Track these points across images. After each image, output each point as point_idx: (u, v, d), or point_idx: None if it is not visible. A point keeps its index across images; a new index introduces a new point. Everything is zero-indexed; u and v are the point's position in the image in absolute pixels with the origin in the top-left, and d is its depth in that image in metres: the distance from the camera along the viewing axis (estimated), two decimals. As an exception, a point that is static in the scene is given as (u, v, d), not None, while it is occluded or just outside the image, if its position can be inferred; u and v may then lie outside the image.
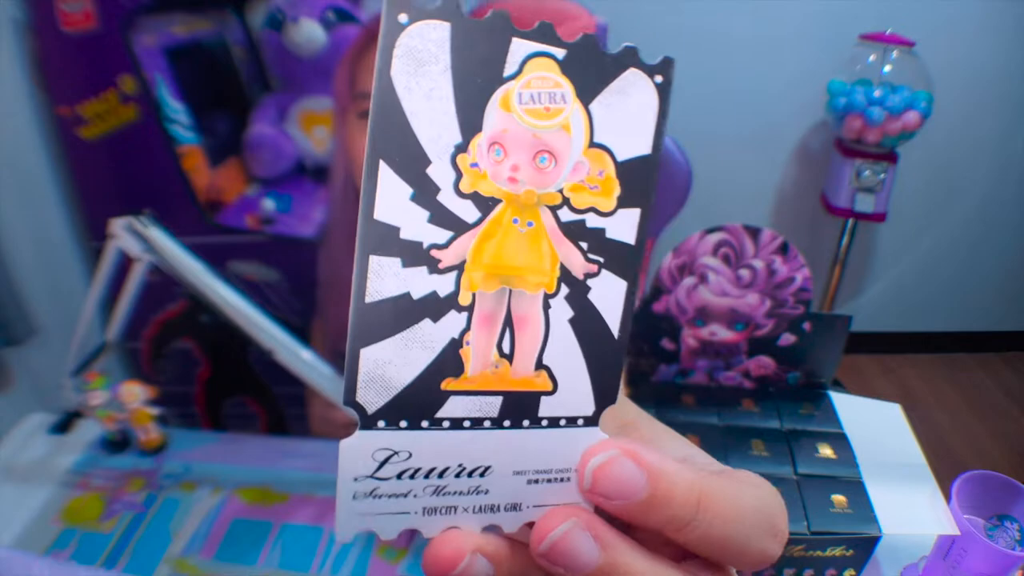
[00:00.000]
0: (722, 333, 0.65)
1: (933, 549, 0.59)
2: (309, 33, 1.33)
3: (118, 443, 0.79)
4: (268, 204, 1.33)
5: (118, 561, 0.66)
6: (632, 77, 0.17)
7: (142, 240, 0.68)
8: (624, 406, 0.20)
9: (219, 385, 1.41)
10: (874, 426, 0.64)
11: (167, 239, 0.68)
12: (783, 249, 0.60)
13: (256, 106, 1.45)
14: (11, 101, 1.15)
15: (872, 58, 1.75)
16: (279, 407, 1.42)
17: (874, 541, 0.53)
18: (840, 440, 0.61)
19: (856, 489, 0.56)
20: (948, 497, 0.56)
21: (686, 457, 0.19)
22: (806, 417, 0.64)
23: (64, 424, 0.82)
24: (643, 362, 0.69)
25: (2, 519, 0.70)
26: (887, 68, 1.74)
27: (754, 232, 0.60)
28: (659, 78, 0.17)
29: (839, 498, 0.55)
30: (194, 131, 1.28)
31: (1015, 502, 0.58)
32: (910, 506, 0.56)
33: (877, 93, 1.68)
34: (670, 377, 0.69)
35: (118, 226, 0.68)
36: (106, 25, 1.09)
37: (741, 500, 0.17)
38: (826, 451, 0.60)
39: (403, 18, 0.15)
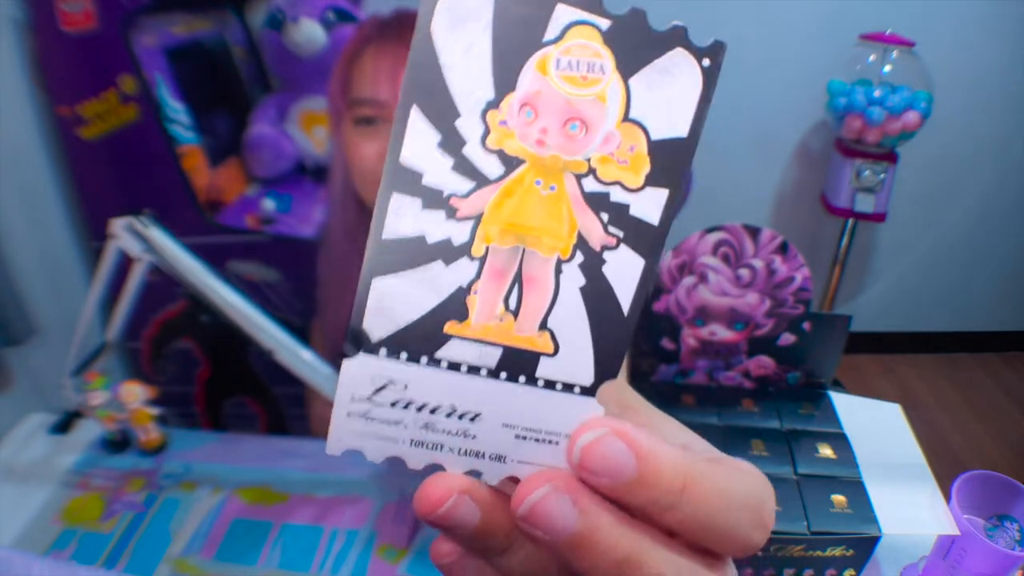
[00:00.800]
0: (722, 333, 0.65)
1: (933, 549, 0.59)
2: (309, 33, 1.33)
3: (118, 443, 0.79)
4: (268, 204, 1.33)
5: (118, 561, 0.66)
6: (678, 57, 0.17)
7: (142, 240, 0.68)
8: (626, 391, 0.21)
9: (219, 385, 1.41)
10: (874, 426, 0.64)
11: (167, 239, 0.68)
12: (783, 249, 0.60)
13: (256, 106, 1.45)
14: (11, 101, 1.15)
15: (872, 58, 1.75)
16: (279, 407, 1.42)
17: (874, 541, 0.53)
18: (840, 440, 0.61)
19: (856, 489, 0.56)
20: (948, 497, 0.56)
21: (684, 444, 0.19)
22: (806, 417, 0.64)
23: (64, 424, 0.82)
24: (643, 362, 0.69)
25: (2, 519, 0.70)
26: (887, 68, 1.74)
27: (754, 232, 0.60)
28: (707, 61, 0.17)
29: (839, 498, 0.55)
30: (194, 131, 1.28)
31: (1015, 502, 0.58)
32: (910, 506, 0.56)
33: (877, 93, 1.68)
34: (670, 377, 0.69)
35: (118, 226, 0.68)
36: (106, 25, 1.09)
37: (728, 488, 0.18)
38: (826, 451, 0.60)
39: None
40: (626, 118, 0.17)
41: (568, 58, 0.16)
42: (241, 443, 0.82)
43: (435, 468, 0.18)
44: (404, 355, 0.18)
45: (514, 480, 0.18)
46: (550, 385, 0.18)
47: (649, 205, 0.17)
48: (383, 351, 0.18)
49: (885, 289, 2.25)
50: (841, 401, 0.66)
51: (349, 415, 0.18)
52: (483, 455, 0.18)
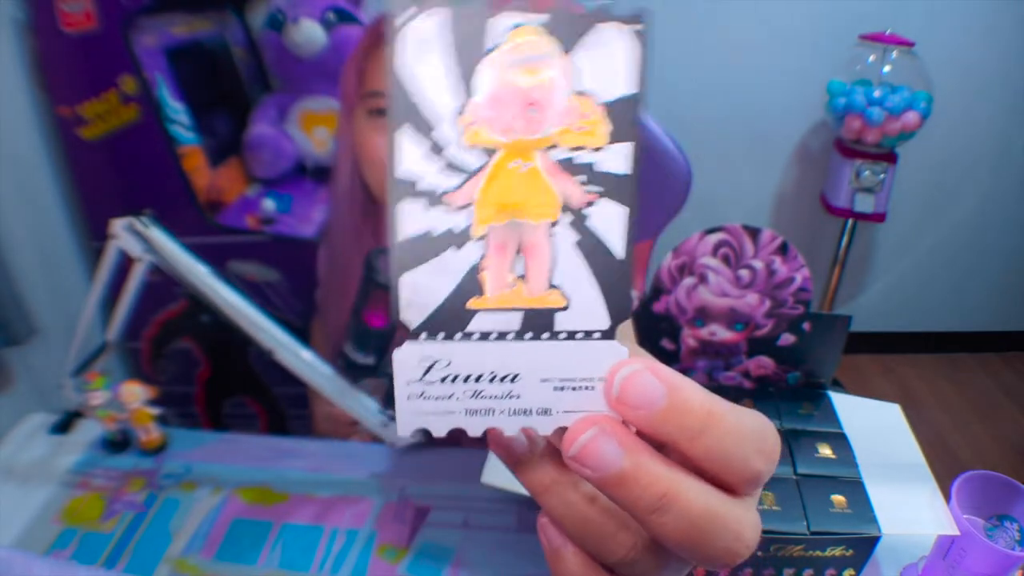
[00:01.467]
0: (722, 333, 0.65)
1: (933, 549, 0.59)
2: (309, 33, 1.33)
3: (118, 443, 0.79)
4: (268, 204, 1.33)
5: (118, 561, 0.66)
6: (611, 30, 0.19)
7: (142, 240, 0.68)
8: (634, 346, 0.22)
9: (219, 385, 1.41)
10: (874, 426, 0.64)
11: (167, 239, 0.68)
12: (783, 249, 0.60)
13: (256, 106, 1.45)
14: (11, 101, 1.15)
15: (872, 58, 1.75)
16: (279, 407, 1.42)
17: (874, 541, 0.53)
18: (840, 440, 0.61)
19: (856, 489, 0.56)
20: (948, 497, 0.56)
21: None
22: (806, 417, 0.64)
23: (64, 424, 0.82)
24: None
25: (2, 519, 0.70)
26: (887, 68, 1.74)
27: (754, 232, 0.60)
28: (637, 26, 0.19)
29: (839, 498, 0.55)
30: (194, 131, 1.28)
31: (1015, 502, 0.58)
32: (910, 506, 0.56)
33: (877, 93, 1.68)
34: (670, 377, 0.69)
35: (118, 226, 0.68)
36: (106, 25, 1.09)
37: (742, 420, 0.20)
38: (826, 451, 0.60)
39: (404, 14, 0.19)
40: (578, 92, 0.19)
41: (514, 55, 0.19)
42: (241, 443, 0.82)
43: (493, 431, 0.21)
44: (441, 335, 0.20)
45: (563, 429, 0.20)
46: (571, 336, 0.20)
47: (617, 159, 0.20)
48: (423, 335, 0.20)
49: (885, 289, 2.25)
50: (841, 401, 0.66)
51: (409, 398, 0.20)
52: (530, 411, 0.21)
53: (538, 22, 0.19)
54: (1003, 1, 1.82)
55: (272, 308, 1.26)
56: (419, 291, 0.20)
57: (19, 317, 1.10)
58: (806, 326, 0.64)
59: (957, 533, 0.54)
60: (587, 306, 0.20)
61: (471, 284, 0.20)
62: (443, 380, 0.20)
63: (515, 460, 0.22)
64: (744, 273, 0.61)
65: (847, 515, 0.54)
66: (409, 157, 0.19)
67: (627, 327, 0.21)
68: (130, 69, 1.13)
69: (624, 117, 0.19)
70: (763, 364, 0.67)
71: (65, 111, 1.13)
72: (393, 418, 0.71)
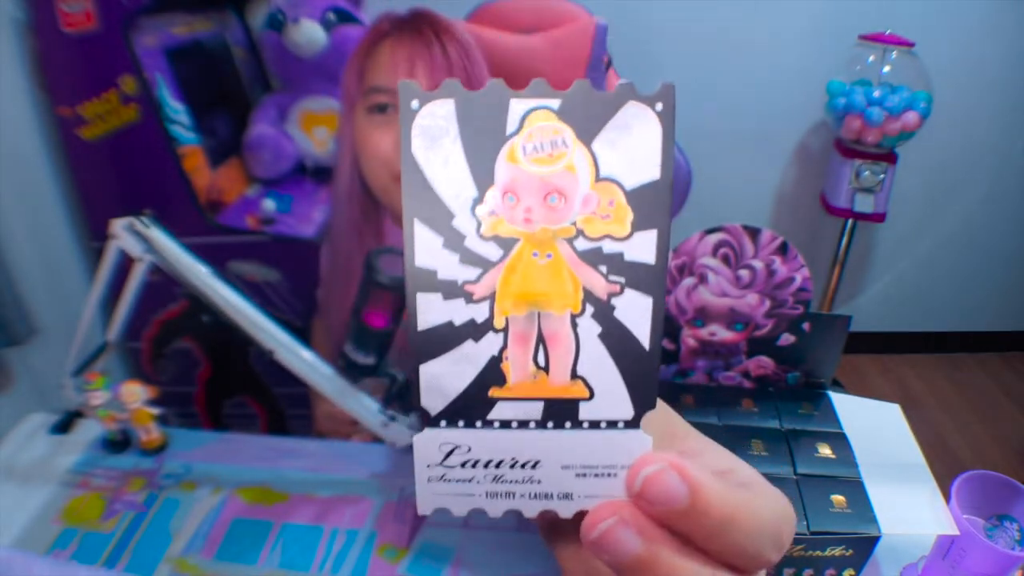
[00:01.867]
0: (721, 333, 0.65)
1: (932, 549, 0.59)
2: (309, 34, 1.33)
3: (119, 443, 0.79)
4: (268, 204, 1.33)
5: (118, 561, 0.66)
6: (632, 110, 0.18)
7: (143, 240, 0.68)
8: (672, 418, 0.22)
9: (219, 385, 1.41)
10: (873, 426, 0.64)
11: (168, 239, 0.68)
12: (782, 249, 0.60)
13: (256, 106, 1.45)
14: (11, 101, 1.15)
15: (871, 58, 1.75)
16: (279, 407, 1.42)
17: (873, 541, 0.53)
18: (839, 440, 0.61)
19: (856, 489, 0.56)
20: (948, 497, 0.56)
21: (729, 468, 0.21)
22: (805, 417, 0.64)
23: (65, 424, 0.82)
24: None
25: (2, 519, 0.70)
26: (886, 68, 1.74)
27: (754, 232, 0.60)
28: (660, 105, 0.18)
29: (838, 498, 0.55)
30: (195, 131, 1.28)
31: (1015, 502, 0.58)
32: (910, 506, 0.56)
33: (876, 93, 1.68)
34: (669, 377, 0.69)
35: (119, 226, 0.68)
36: (106, 25, 1.09)
37: (762, 515, 0.20)
38: (825, 451, 0.60)
39: (415, 104, 0.18)
40: (599, 178, 0.19)
41: (532, 143, 0.19)
42: (241, 443, 0.82)
43: (514, 513, 0.21)
44: (461, 423, 0.20)
45: (584, 512, 0.20)
46: (595, 425, 0.20)
47: (642, 248, 0.19)
48: (443, 422, 0.20)
49: (885, 289, 2.25)
50: (841, 401, 0.66)
51: (429, 480, 0.21)
52: (551, 496, 0.21)
53: (555, 105, 0.18)
54: (1003, 1, 1.82)
55: (272, 308, 1.26)
56: (439, 380, 0.20)
57: (19, 317, 1.10)
58: (806, 326, 0.64)
59: (957, 533, 0.54)
60: (611, 396, 0.20)
61: (493, 373, 0.20)
62: (463, 465, 0.20)
63: (551, 539, 0.23)
64: (744, 273, 0.62)
65: (847, 515, 0.54)
66: (427, 247, 0.19)
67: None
68: (130, 69, 1.13)
69: (648, 204, 0.19)
70: (763, 364, 0.67)
71: (65, 111, 1.13)
72: (393, 418, 0.71)
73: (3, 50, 1.12)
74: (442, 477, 0.21)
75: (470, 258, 0.19)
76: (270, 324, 0.68)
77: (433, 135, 0.18)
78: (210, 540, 0.68)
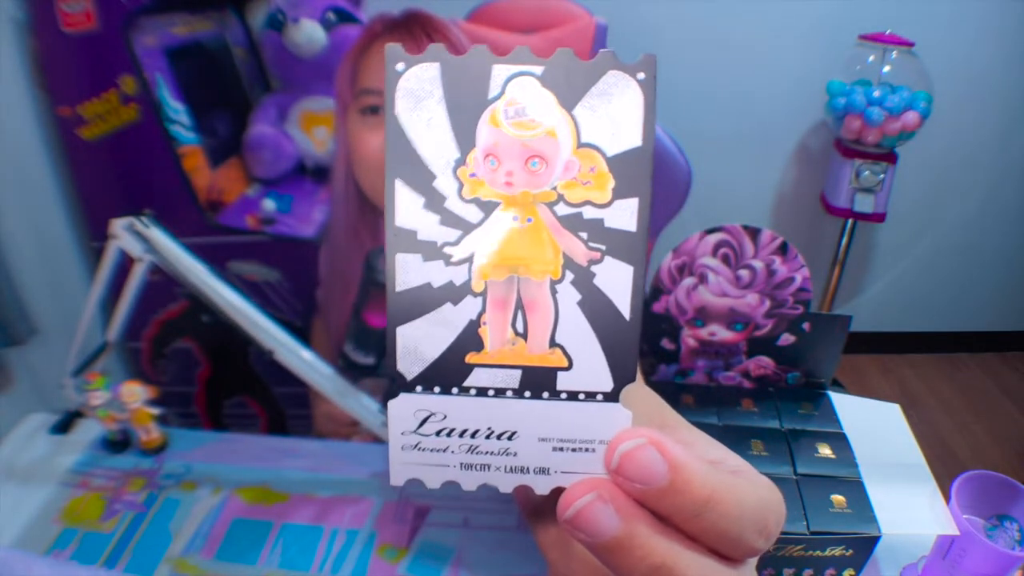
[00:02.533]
0: (721, 333, 0.65)
1: (932, 549, 0.59)
2: (309, 34, 1.33)
3: (119, 443, 0.79)
4: (268, 204, 1.33)
5: (118, 561, 0.66)
6: (613, 78, 0.19)
7: (143, 240, 0.68)
8: (663, 409, 0.22)
9: (219, 385, 1.41)
10: (873, 426, 0.64)
11: (168, 239, 0.68)
12: (782, 249, 0.60)
13: (256, 106, 1.45)
14: (11, 101, 1.15)
15: (871, 58, 1.75)
16: (279, 407, 1.42)
17: (873, 541, 0.53)
18: (839, 440, 0.61)
19: (855, 489, 0.56)
20: (948, 497, 0.56)
21: (719, 459, 0.21)
22: (805, 417, 0.64)
23: (65, 424, 0.82)
24: (643, 362, 0.69)
25: (2, 519, 0.70)
26: (886, 68, 1.74)
27: (754, 232, 0.60)
28: (641, 75, 0.19)
29: (838, 498, 0.55)
30: (195, 131, 1.28)
31: (1015, 502, 0.58)
32: (910, 506, 0.56)
33: (876, 93, 1.68)
34: (669, 377, 0.69)
35: (119, 226, 0.68)
36: (106, 25, 1.09)
37: (745, 500, 0.19)
38: (825, 451, 0.60)
39: (400, 66, 0.19)
40: (580, 144, 0.19)
41: (514, 107, 0.19)
42: (241, 443, 0.82)
43: (488, 488, 0.20)
44: (437, 388, 0.20)
45: (561, 489, 0.20)
46: (573, 396, 0.20)
47: (623, 215, 0.19)
48: (419, 387, 0.20)
49: (885, 289, 2.25)
50: (840, 401, 0.66)
51: (403, 448, 0.20)
52: (527, 469, 0.20)
53: (538, 72, 0.19)
54: (1003, 1, 1.82)
55: (272, 308, 1.26)
56: (416, 343, 0.20)
57: (19, 317, 1.10)
58: (806, 326, 0.64)
59: (957, 533, 0.54)
60: (590, 367, 0.20)
61: (470, 338, 0.20)
62: (438, 433, 0.20)
63: (531, 516, 0.22)
64: (744, 273, 0.62)
65: (847, 515, 0.54)
66: (408, 208, 0.19)
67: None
68: (130, 69, 1.12)
69: (630, 171, 0.19)
70: (763, 364, 0.67)
71: (65, 111, 1.13)
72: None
73: (3, 50, 1.12)
74: (416, 445, 0.20)
75: (451, 220, 0.19)
76: (270, 324, 0.68)
77: (417, 97, 0.19)
78: (210, 540, 0.68)
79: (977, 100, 1.94)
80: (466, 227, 0.19)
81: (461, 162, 0.19)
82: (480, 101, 0.19)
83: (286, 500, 0.73)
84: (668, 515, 0.18)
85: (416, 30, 0.77)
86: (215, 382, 1.40)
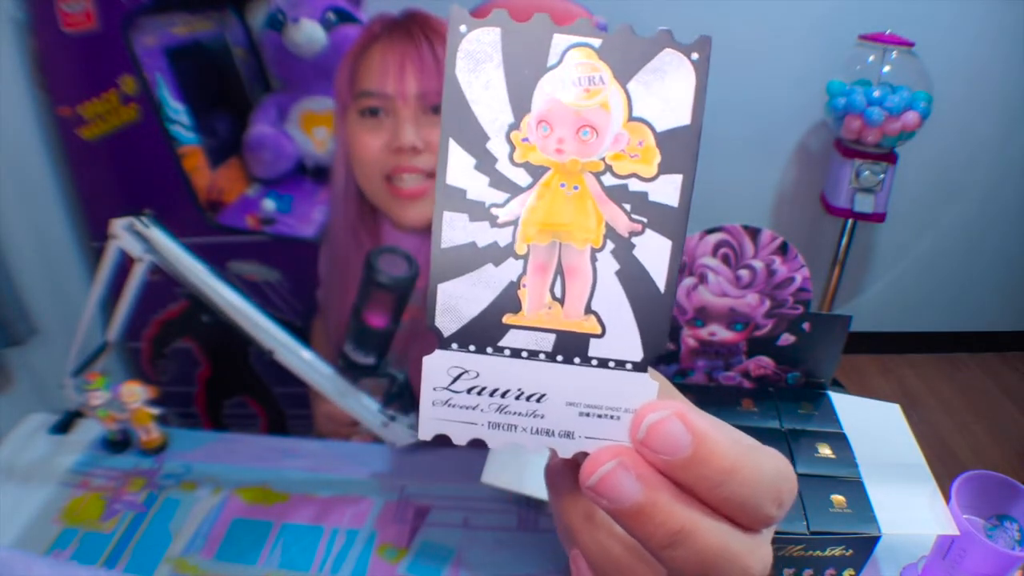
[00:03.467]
0: (721, 333, 0.65)
1: (932, 549, 0.59)
2: (309, 34, 1.33)
3: (119, 443, 0.79)
4: (268, 204, 1.33)
5: (118, 561, 0.66)
6: (668, 56, 0.19)
7: (143, 240, 0.68)
8: (667, 386, 0.22)
9: (219, 385, 1.41)
10: (873, 426, 0.64)
11: (168, 239, 0.68)
12: (782, 249, 0.60)
13: (256, 106, 1.45)
14: (11, 101, 1.15)
15: (871, 58, 1.75)
16: (279, 407, 1.42)
17: (873, 541, 0.53)
18: (839, 440, 0.61)
19: (855, 489, 0.56)
20: (948, 497, 0.56)
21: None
22: (805, 417, 0.64)
23: (65, 424, 0.82)
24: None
25: (2, 519, 0.70)
26: (886, 68, 1.74)
27: (754, 232, 0.60)
28: (695, 55, 0.19)
29: (838, 498, 0.55)
30: (195, 131, 1.28)
31: (1015, 502, 0.58)
32: (910, 506, 0.56)
33: (876, 93, 1.68)
34: (669, 377, 0.69)
35: (119, 226, 0.68)
36: (106, 25, 1.09)
37: (762, 470, 0.20)
38: (825, 451, 0.60)
39: (463, 28, 0.19)
40: (631, 118, 0.19)
41: (570, 76, 0.19)
42: (241, 443, 0.82)
43: (515, 446, 0.21)
44: (472, 347, 0.20)
45: (584, 454, 0.20)
46: (603, 363, 0.20)
47: (667, 190, 0.20)
48: (454, 345, 0.20)
49: (885, 289, 2.25)
50: (840, 401, 0.66)
51: (434, 404, 0.21)
52: (553, 433, 0.21)
53: (596, 44, 0.19)
54: (1003, 1, 1.82)
55: (272, 308, 1.26)
56: (455, 301, 0.20)
57: (19, 317, 1.10)
58: (806, 326, 0.64)
59: (957, 533, 0.54)
60: (622, 336, 0.20)
61: (509, 300, 0.20)
62: (469, 391, 0.20)
63: (555, 487, 0.23)
64: (744, 273, 0.62)
65: (847, 515, 0.54)
66: (459, 166, 0.19)
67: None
68: (130, 69, 1.13)
69: (676, 148, 0.19)
70: (763, 364, 0.67)
71: (65, 111, 1.13)
72: (393, 418, 0.71)
73: (3, 50, 1.12)
74: (447, 402, 0.20)
75: (500, 182, 0.19)
76: (270, 324, 0.68)
77: (477, 59, 0.19)
78: (210, 540, 0.68)
79: (977, 100, 1.94)
80: (514, 190, 0.19)
81: (515, 126, 0.19)
82: (538, 68, 0.19)
83: (286, 500, 0.73)
84: (691, 485, 0.19)
85: (414, 30, 0.76)
86: (215, 382, 1.40)
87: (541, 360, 0.20)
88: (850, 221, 1.88)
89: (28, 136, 1.19)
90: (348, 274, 0.84)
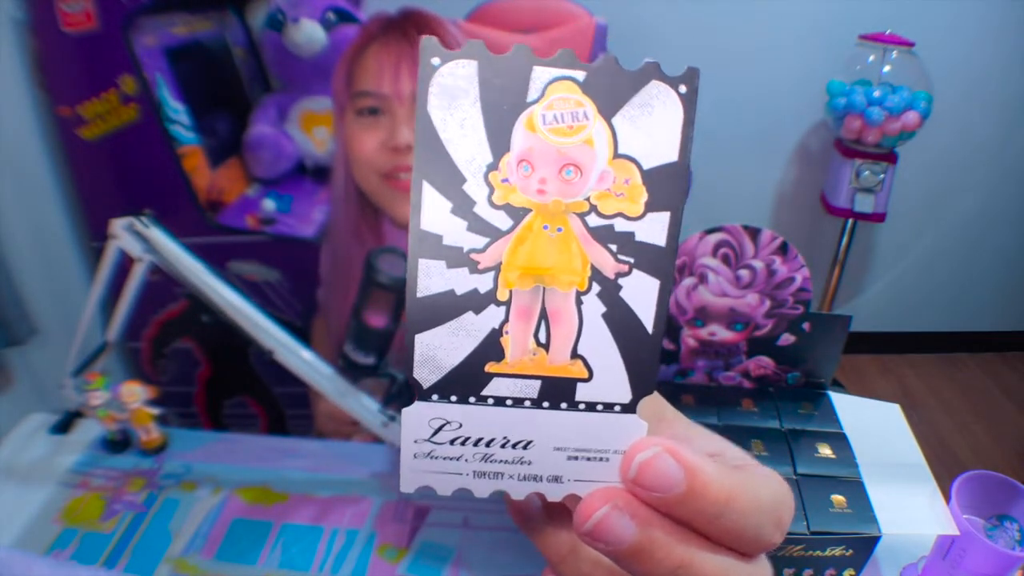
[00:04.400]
0: (721, 333, 0.65)
1: (933, 549, 0.59)
2: (309, 34, 1.33)
3: (119, 443, 0.79)
4: (268, 204, 1.33)
5: (118, 561, 0.66)
6: (654, 90, 0.18)
7: (143, 240, 0.68)
8: (661, 403, 0.22)
9: (219, 385, 1.41)
10: (873, 426, 0.64)
11: (167, 239, 0.68)
12: (783, 249, 0.60)
13: (256, 106, 1.45)
14: (11, 101, 1.15)
15: (872, 58, 1.75)
16: (279, 407, 1.42)
17: (874, 541, 0.53)
18: (839, 440, 0.61)
19: (856, 489, 0.56)
20: (948, 497, 0.56)
21: (719, 451, 0.21)
22: (805, 417, 0.64)
23: (65, 424, 0.82)
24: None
25: (2, 519, 0.70)
26: (887, 68, 1.74)
27: (754, 232, 0.60)
28: (683, 88, 0.18)
29: (838, 498, 0.55)
30: (195, 131, 1.28)
31: (1015, 502, 0.58)
32: (910, 506, 0.56)
33: (877, 93, 1.68)
34: (669, 377, 0.69)
35: (118, 226, 0.68)
36: (106, 25, 1.09)
37: (759, 496, 0.19)
38: (825, 451, 0.60)
39: (436, 61, 0.18)
40: (616, 155, 0.18)
41: (552, 112, 0.18)
42: (241, 443, 0.82)
43: (501, 494, 0.20)
44: (454, 397, 0.19)
45: (575, 496, 0.20)
46: (591, 407, 0.20)
47: (653, 229, 0.19)
48: (435, 396, 0.19)
49: (885, 289, 2.25)
50: (841, 401, 0.66)
51: (416, 456, 0.20)
52: (541, 478, 0.20)
53: (580, 77, 0.18)
54: (1003, 1, 1.82)
55: (272, 308, 1.26)
56: (435, 351, 0.19)
57: (19, 317, 1.10)
58: (806, 326, 0.64)
59: (957, 533, 0.54)
60: (610, 378, 0.19)
61: (491, 347, 0.19)
62: (452, 442, 0.20)
63: (530, 527, 0.22)
64: (744, 273, 0.62)
65: (847, 515, 0.54)
66: (434, 211, 0.18)
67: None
68: (130, 69, 1.13)
69: (664, 185, 0.18)
70: (763, 364, 0.67)
71: (65, 111, 1.13)
72: (393, 418, 0.71)
73: (3, 50, 1.12)
74: (429, 454, 0.20)
75: (478, 226, 0.18)
76: (270, 324, 0.68)
77: (452, 95, 0.18)
78: (210, 540, 0.68)
79: (977, 100, 1.94)
80: (494, 234, 0.18)
81: (493, 166, 0.18)
82: (518, 103, 0.18)
83: (286, 500, 0.73)
84: (688, 519, 0.19)
85: (411, 30, 0.76)
86: (215, 382, 1.40)
87: (527, 407, 0.19)
88: (850, 221, 1.88)
89: (28, 136, 1.19)
90: (348, 274, 0.84)
